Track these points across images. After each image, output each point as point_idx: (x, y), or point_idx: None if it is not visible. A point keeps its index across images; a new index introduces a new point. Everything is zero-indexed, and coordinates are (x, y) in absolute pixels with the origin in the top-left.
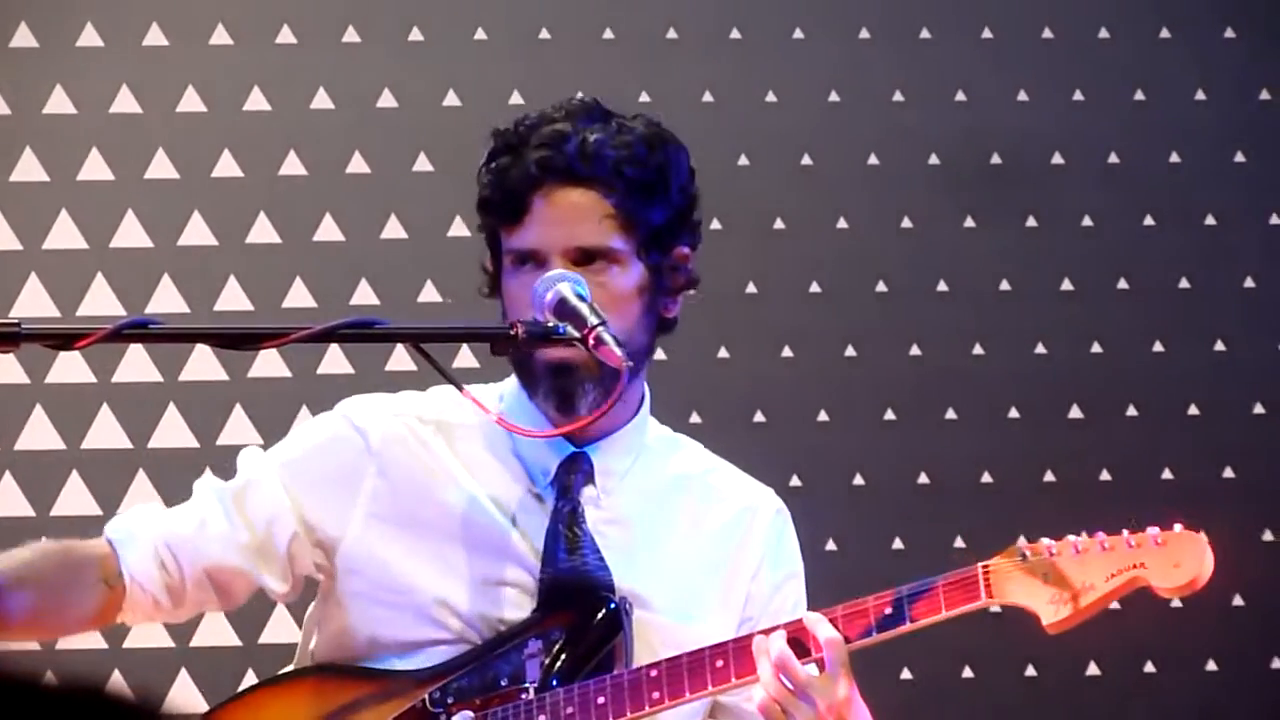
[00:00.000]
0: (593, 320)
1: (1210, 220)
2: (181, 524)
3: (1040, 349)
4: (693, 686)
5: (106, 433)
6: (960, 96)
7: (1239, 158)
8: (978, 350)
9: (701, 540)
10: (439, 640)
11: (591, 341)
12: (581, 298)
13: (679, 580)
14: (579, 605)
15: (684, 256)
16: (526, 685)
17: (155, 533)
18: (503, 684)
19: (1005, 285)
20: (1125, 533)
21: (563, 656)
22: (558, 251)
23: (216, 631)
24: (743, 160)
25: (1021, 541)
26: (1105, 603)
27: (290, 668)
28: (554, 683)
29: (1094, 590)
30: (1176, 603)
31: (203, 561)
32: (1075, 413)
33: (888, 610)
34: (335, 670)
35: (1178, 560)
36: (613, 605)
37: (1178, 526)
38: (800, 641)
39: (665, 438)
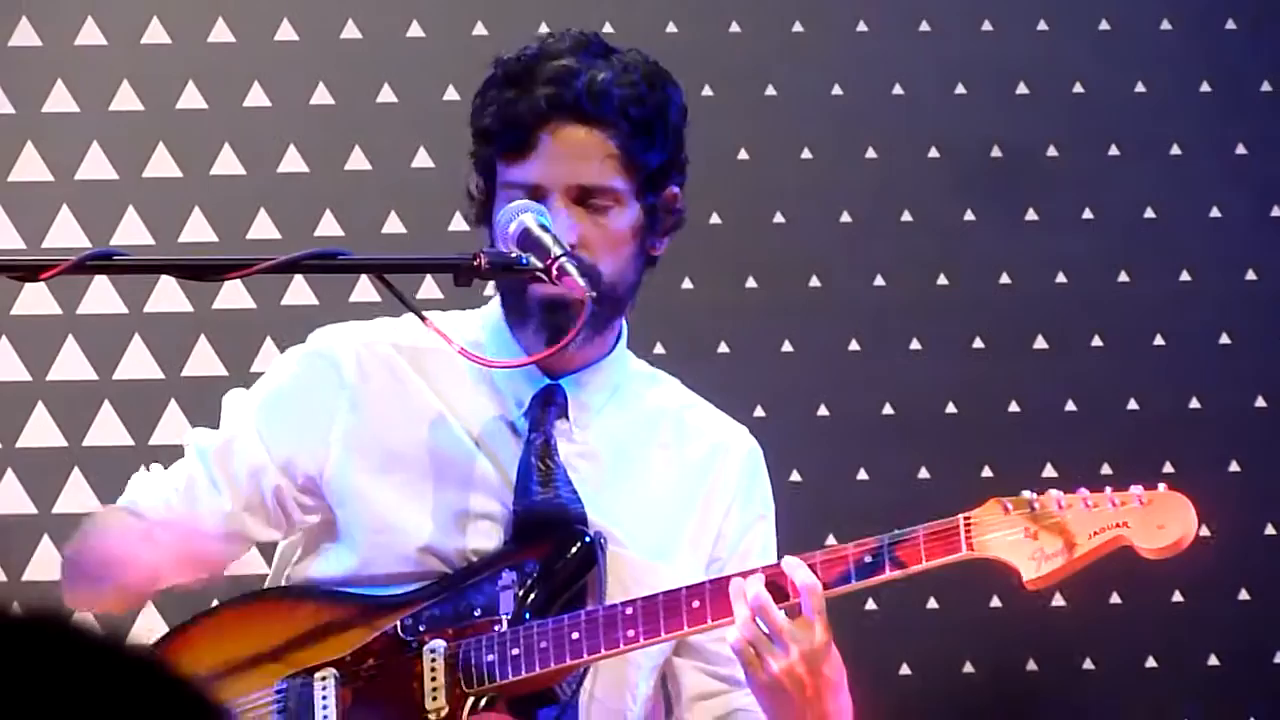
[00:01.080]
0: (555, 251)
1: (1176, 150)
2: (174, 497)
3: (1005, 279)
4: (669, 626)
5: (71, 364)
6: (925, 26)
7: (1205, 87)
8: (942, 280)
9: (674, 477)
10: (410, 572)
11: (555, 272)
12: (545, 228)
13: (650, 518)
14: (554, 538)
15: (674, 197)
16: (500, 617)
17: (154, 510)
18: (476, 615)
19: (970, 215)
20: (1109, 490)
21: (536, 589)
22: (559, 189)
23: None
24: (706, 91)
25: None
26: (1087, 561)
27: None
28: (526, 615)
29: (1076, 548)
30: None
31: None
32: (1040, 343)
33: (867, 558)
34: (302, 592)
35: (1162, 521)
36: (588, 539)
37: (1162, 486)
38: (778, 585)
39: (643, 373)
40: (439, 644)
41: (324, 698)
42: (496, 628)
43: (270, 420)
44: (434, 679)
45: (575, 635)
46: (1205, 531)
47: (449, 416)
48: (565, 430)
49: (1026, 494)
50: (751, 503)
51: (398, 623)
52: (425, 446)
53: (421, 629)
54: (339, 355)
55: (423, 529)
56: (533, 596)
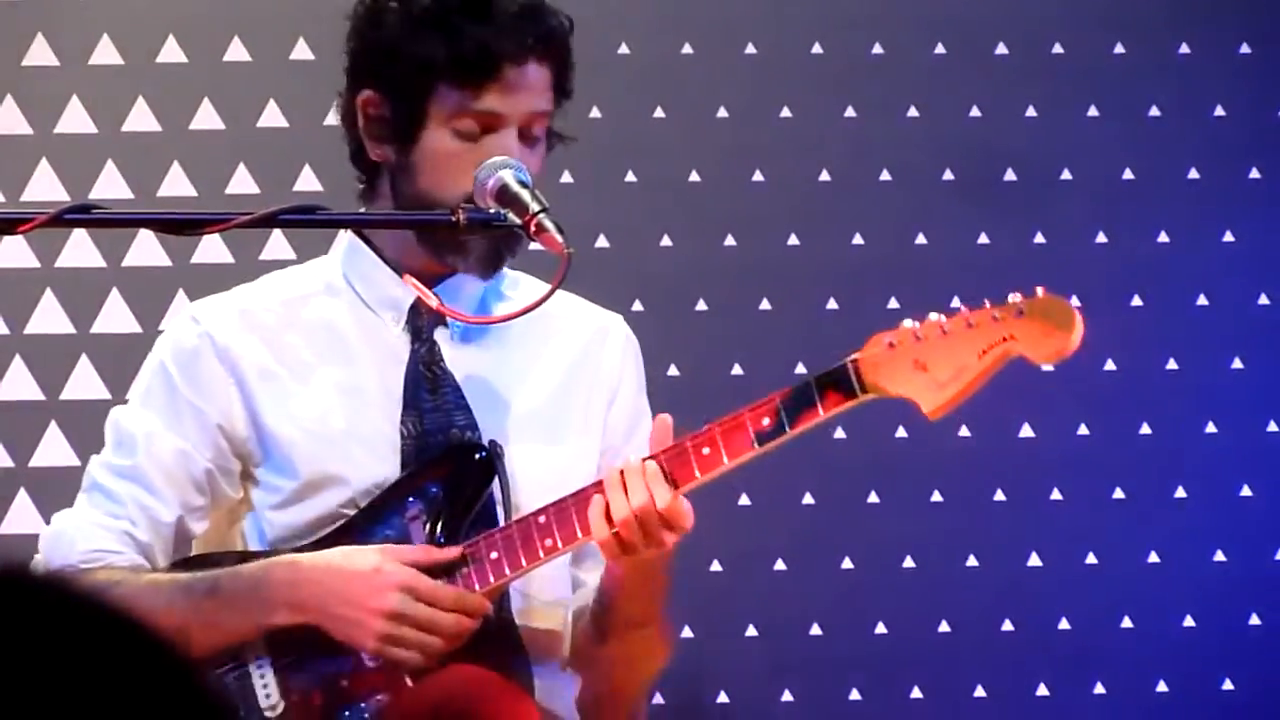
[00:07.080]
0: (534, 207)
1: (1220, 111)
2: (133, 528)
3: (983, 239)
4: (584, 528)
5: (49, 317)
6: None
7: (1245, 49)
8: (920, 240)
9: (557, 364)
10: (330, 516)
11: (532, 229)
12: (524, 184)
13: (540, 405)
14: (450, 456)
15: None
16: None
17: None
18: None
19: (949, 175)
20: (987, 303)
21: (443, 513)
22: (516, 118)
23: None
24: (686, 49)
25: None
26: (982, 380)
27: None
28: (441, 541)
29: (969, 370)
30: (1084, 430)
31: None
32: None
33: (766, 420)
34: (210, 559)
35: (1047, 329)
36: (484, 452)
37: (1040, 290)
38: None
39: (506, 275)
40: None
41: (260, 666)
42: None
43: (170, 411)
44: None
45: (494, 555)
46: (1111, 365)
47: (331, 356)
48: (446, 336)
49: (908, 323)
50: (641, 394)
51: None
52: (320, 394)
53: None
54: (214, 332)
55: (328, 467)
56: (441, 521)
